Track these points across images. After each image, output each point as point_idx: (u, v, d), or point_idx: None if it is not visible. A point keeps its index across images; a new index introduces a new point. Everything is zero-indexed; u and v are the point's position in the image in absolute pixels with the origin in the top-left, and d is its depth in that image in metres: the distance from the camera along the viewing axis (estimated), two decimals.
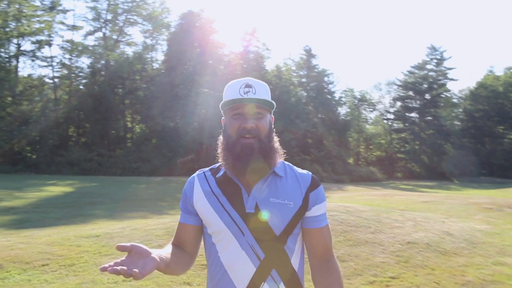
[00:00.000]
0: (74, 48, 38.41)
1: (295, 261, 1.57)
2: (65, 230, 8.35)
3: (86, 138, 38.03)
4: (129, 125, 42.21)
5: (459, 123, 53.71)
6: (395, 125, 54.36)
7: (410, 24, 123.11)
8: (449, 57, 55.27)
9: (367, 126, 56.56)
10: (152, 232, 7.16)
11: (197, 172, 1.71)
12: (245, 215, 1.51)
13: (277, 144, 1.60)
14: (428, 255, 6.17)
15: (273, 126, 1.63)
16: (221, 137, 1.62)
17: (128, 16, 41.47)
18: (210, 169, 1.70)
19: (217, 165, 1.69)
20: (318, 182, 1.64)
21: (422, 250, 6.34)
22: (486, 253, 6.58)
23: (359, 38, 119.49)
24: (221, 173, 1.62)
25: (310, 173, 1.66)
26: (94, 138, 36.35)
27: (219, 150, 1.60)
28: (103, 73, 38.49)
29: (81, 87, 39.27)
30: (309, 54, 48.83)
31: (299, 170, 1.66)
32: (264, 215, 1.50)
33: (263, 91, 1.57)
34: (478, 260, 6.17)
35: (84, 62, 40.67)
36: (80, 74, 39.73)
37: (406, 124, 51.85)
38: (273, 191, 1.55)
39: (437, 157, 46.85)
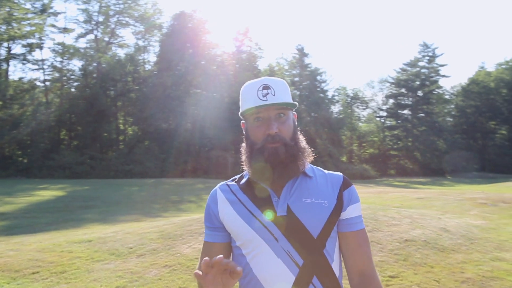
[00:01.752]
0: (66, 51, 38.25)
1: (335, 267, 1.44)
2: (56, 235, 8.19)
3: (78, 141, 37.84)
4: (122, 127, 42.01)
5: (451, 119, 53.90)
6: (387, 122, 54.53)
7: (402, 22, 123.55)
8: (441, 54, 55.41)
9: (360, 124, 56.71)
10: (146, 235, 7.03)
11: (218, 184, 1.60)
12: (276, 219, 1.40)
13: (303, 144, 1.50)
14: (427, 252, 6.09)
15: (296, 123, 1.54)
16: (244, 144, 1.52)
17: (120, 18, 41.30)
18: (232, 179, 1.60)
19: (238, 175, 1.61)
20: (350, 182, 1.53)
21: (420, 247, 6.25)
22: (483, 249, 6.52)
23: (351, 36, 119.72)
24: (245, 179, 1.52)
25: (341, 173, 1.56)
26: (86, 141, 36.16)
27: (243, 158, 1.50)
28: (94, 75, 38.35)
29: (72, 90, 39.08)
30: (302, 53, 48.86)
31: (328, 171, 1.57)
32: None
33: (282, 91, 1.46)
34: (476, 257, 6.10)
35: (76, 64, 40.66)
36: (72, 76, 39.63)
37: (399, 121, 52.00)
38: (304, 192, 1.45)
39: (429, 153, 46.99)
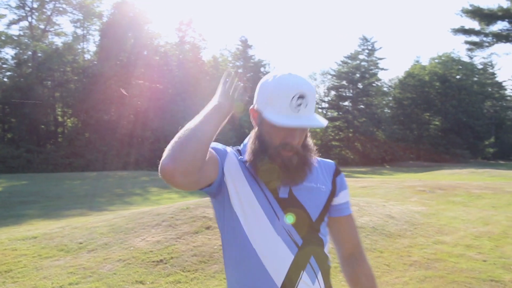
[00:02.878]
0: None
1: (326, 250, 1.47)
2: None
3: (12, 133, 35.84)
4: (60, 119, 40.20)
5: (389, 111, 56.04)
6: (329, 113, 55.82)
7: (343, 15, 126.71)
8: (380, 48, 57.51)
9: None
10: (96, 230, 6.82)
11: (228, 147, 1.53)
12: (279, 199, 1.39)
13: (311, 144, 1.47)
14: (375, 238, 6.36)
15: None
16: (253, 134, 1.45)
17: (57, 5, 39.26)
18: (236, 150, 1.53)
19: (235, 147, 1.54)
20: (340, 169, 1.57)
21: (369, 234, 6.51)
22: (426, 234, 6.90)
23: (294, 29, 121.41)
24: (244, 159, 1.45)
25: (332, 161, 1.60)
26: (21, 134, 34.32)
27: (249, 144, 1.44)
28: (30, 64, 36.32)
29: (5, 79, 36.83)
30: (245, 44, 48.97)
31: (320, 158, 1.56)
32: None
33: (314, 101, 1.36)
34: (421, 241, 6.45)
35: (8, 53, 38.29)
36: (4, 66, 37.27)
37: (340, 113, 53.37)
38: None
39: (369, 143, 48.68)
